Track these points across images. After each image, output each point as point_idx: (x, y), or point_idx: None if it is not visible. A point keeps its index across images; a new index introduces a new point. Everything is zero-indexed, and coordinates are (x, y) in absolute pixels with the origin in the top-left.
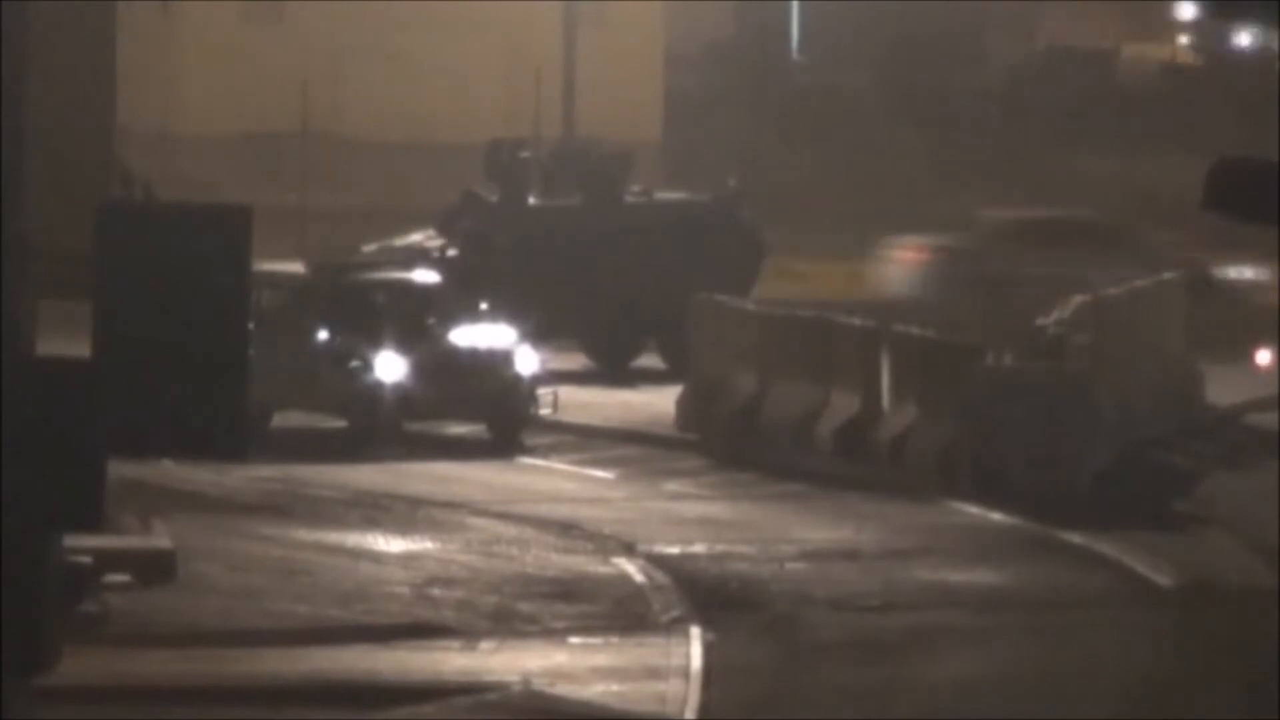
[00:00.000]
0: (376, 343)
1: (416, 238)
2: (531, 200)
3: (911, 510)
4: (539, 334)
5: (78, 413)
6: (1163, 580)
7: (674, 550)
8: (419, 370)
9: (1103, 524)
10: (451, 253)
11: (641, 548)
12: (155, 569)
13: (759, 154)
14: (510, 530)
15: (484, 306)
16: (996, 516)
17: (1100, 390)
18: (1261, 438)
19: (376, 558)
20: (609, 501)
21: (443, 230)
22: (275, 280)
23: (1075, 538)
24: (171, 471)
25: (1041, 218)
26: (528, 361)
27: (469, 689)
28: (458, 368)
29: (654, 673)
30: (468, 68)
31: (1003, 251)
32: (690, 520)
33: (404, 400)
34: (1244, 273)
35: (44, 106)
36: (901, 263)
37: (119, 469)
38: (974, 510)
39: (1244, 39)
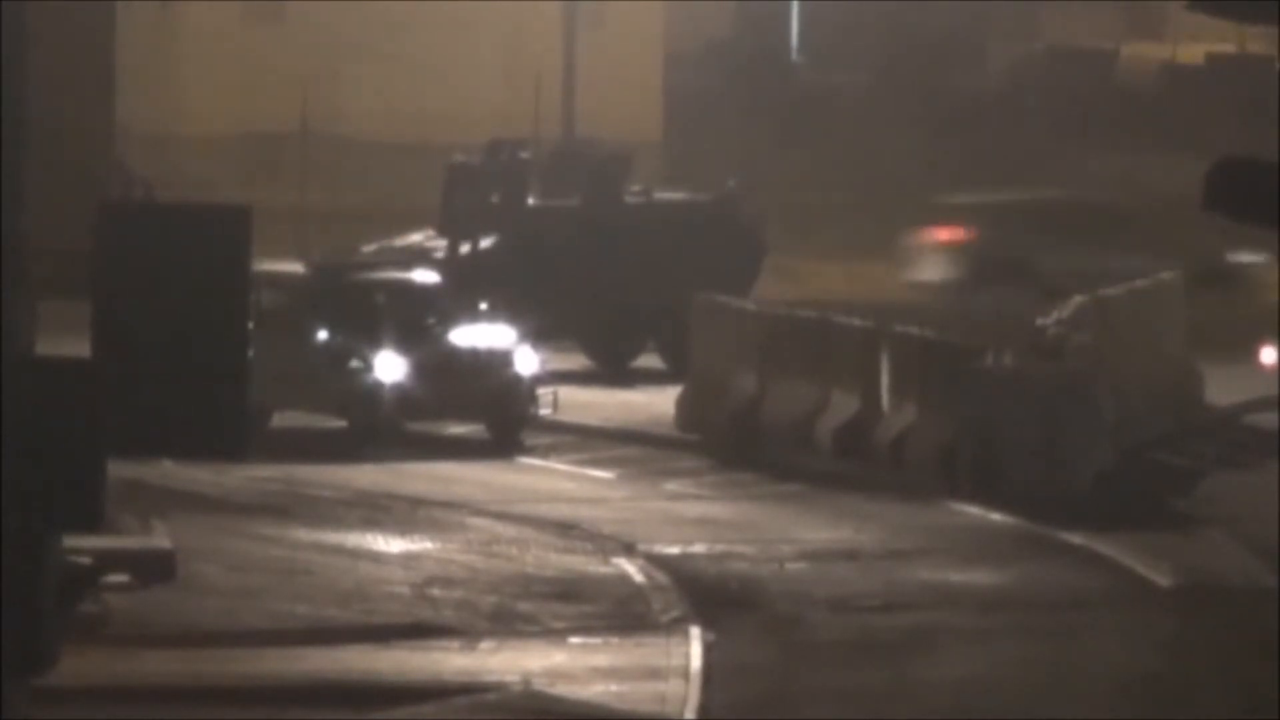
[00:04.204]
0: (376, 343)
1: (416, 238)
2: (531, 200)
3: (911, 510)
4: (539, 334)
5: (78, 413)
6: (1163, 580)
7: (674, 550)
8: (419, 370)
9: (1103, 524)
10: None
11: (641, 548)
12: (155, 569)
13: (759, 154)
14: (510, 530)
15: (484, 306)
16: (996, 516)
17: (1100, 390)
18: (1261, 438)
19: (376, 558)
20: (609, 501)
21: (441, 223)
22: (275, 280)
23: (1075, 538)
24: (171, 471)
25: (1052, 200)
26: (528, 361)
27: (469, 689)
28: (458, 368)
29: (654, 673)
30: (468, 68)
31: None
32: (690, 520)
33: (404, 400)
34: (1249, 258)
35: (44, 106)
36: (932, 249)
37: (119, 469)
38: (974, 510)
39: None
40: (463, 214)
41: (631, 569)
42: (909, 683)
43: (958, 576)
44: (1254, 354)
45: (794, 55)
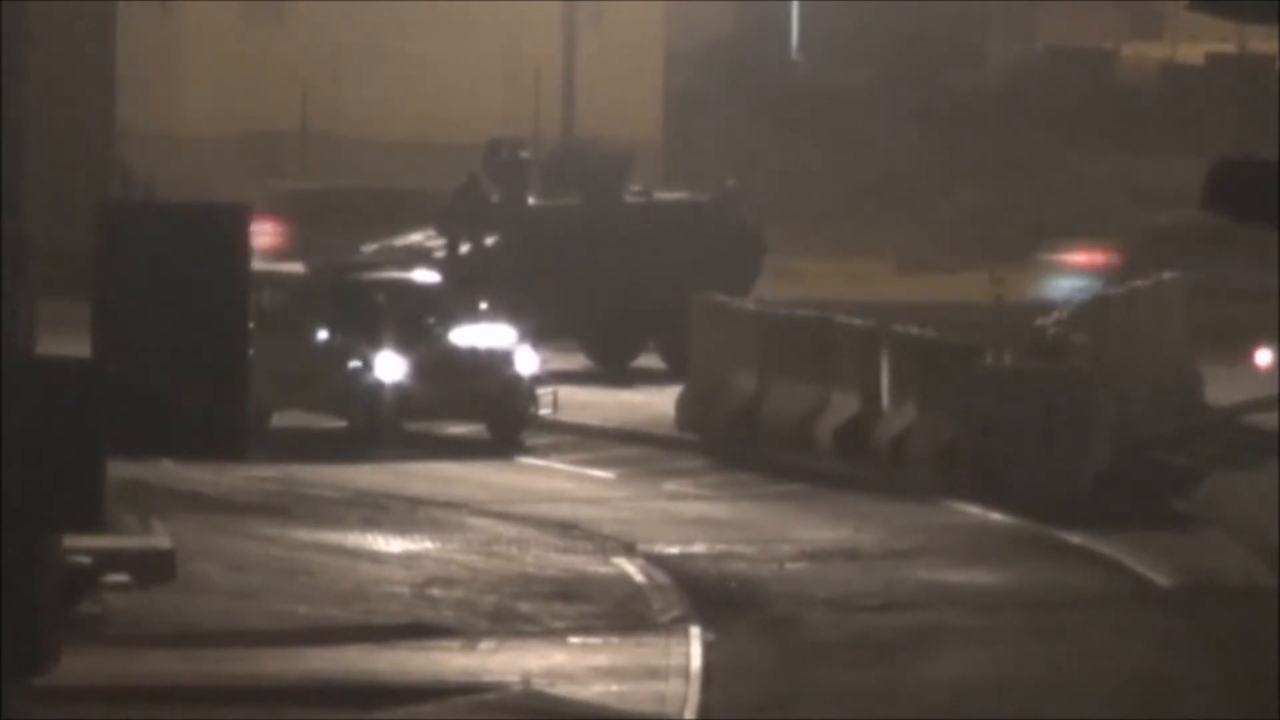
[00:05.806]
0: (376, 343)
1: (416, 238)
2: (531, 200)
3: (911, 510)
4: (539, 334)
5: (78, 413)
6: (1163, 580)
7: (674, 550)
8: (419, 370)
9: (1103, 524)
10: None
11: (641, 548)
12: (155, 569)
13: (759, 153)
14: (510, 530)
15: (484, 306)
16: (996, 516)
17: (1100, 390)
18: (1261, 438)
19: (376, 558)
20: (609, 501)
21: (442, 224)
22: (275, 280)
23: (1075, 538)
24: (171, 471)
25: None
26: (528, 361)
27: (469, 689)
28: (458, 368)
29: (654, 673)
30: (468, 68)
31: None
32: (690, 520)
33: (404, 400)
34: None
35: (44, 106)
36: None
37: (119, 469)
38: (974, 510)
39: None
40: (465, 216)
41: (631, 569)
42: (908, 682)
43: (957, 576)
44: (1249, 355)
45: (794, 55)
